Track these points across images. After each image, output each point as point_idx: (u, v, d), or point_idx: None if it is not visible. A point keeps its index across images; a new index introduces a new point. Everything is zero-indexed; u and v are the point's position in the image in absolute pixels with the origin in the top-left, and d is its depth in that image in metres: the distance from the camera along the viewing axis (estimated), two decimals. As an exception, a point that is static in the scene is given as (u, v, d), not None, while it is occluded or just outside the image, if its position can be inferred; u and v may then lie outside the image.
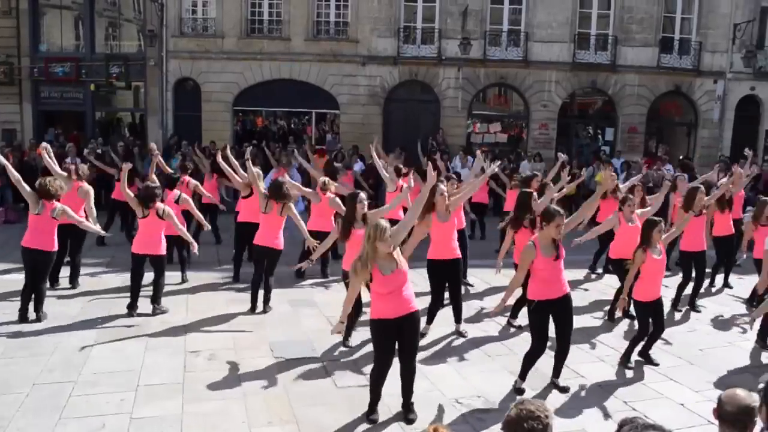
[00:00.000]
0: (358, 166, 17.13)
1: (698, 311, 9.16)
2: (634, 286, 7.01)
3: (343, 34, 20.96)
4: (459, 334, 7.91)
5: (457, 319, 7.96)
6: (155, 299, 8.49)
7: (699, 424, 5.65)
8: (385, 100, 21.12)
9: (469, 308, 8.38)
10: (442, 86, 21.00)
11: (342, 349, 7.32)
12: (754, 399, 2.71)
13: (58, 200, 8.12)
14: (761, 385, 2.56)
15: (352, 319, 7.24)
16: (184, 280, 9.97)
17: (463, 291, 8.54)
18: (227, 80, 20.80)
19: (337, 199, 9.58)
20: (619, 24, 20.87)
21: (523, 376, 6.31)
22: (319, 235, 9.92)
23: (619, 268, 8.55)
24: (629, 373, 6.85)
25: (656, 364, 7.07)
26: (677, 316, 8.99)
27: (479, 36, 20.61)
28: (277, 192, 8.51)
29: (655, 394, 6.37)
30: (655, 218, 7.10)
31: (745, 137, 21.53)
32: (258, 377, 6.45)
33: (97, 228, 8.71)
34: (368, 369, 6.65)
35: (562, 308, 6.18)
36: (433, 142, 19.85)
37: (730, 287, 10.51)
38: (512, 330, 8.18)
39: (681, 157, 20.48)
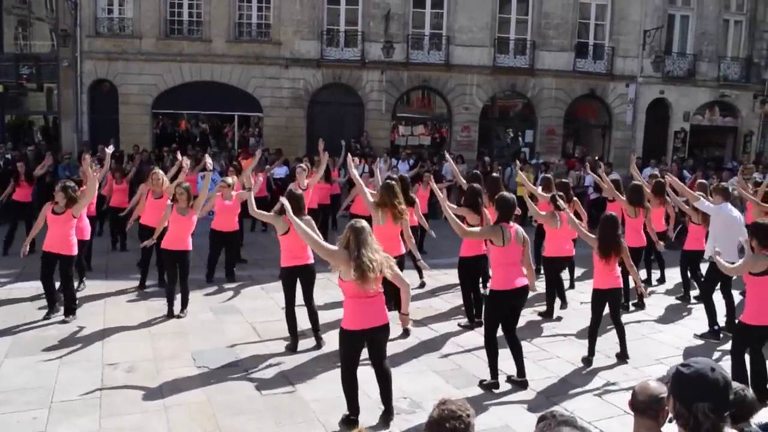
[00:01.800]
0: (282, 171, 16.95)
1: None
2: (594, 277, 7.35)
3: (265, 36, 20.75)
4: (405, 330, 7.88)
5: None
6: (70, 309, 8.25)
7: (616, 414, 5.86)
8: (308, 103, 21.02)
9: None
10: (366, 89, 21.07)
11: (267, 356, 7.22)
12: (665, 390, 2.83)
13: None
14: (669, 373, 2.67)
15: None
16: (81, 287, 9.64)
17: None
18: (146, 82, 20.23)
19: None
20: (537, 29, 21.48)
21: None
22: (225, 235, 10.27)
23: (550, 266, 9.02)
24: (549, 369, 7.03)
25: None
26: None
27: (402, 39, 20.80)
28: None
29: (573, 387, 6.58)
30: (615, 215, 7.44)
31: (656, 138, 22.64)
32: (179, 388, 6.27)
33: None
34: (293, 376, 6.62)
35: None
36: (357, 145, 19.91)
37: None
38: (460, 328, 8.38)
39: (596, 158, 21.30)
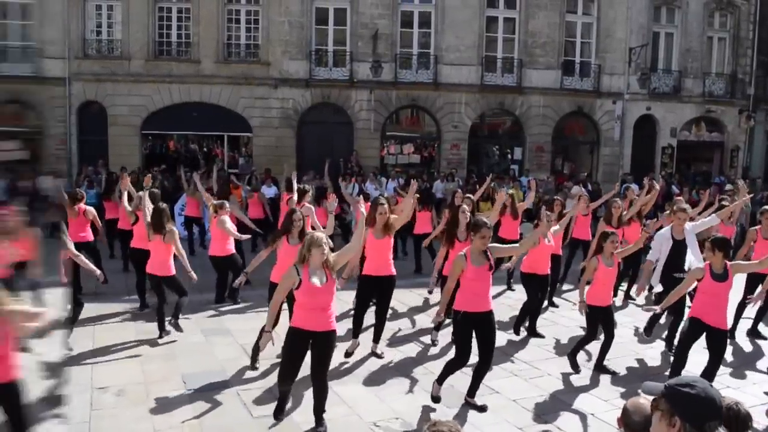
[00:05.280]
0: (271, 191, 16.94)
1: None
2: (587, 292, 7.38)
3: (254, 57, 20.86)
4: (374, 354, 7.89)
5: (376, 338, 7.93)
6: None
7: (605, 431, 5.85)
8: (298, 123, 21.09)
9: (385, 329, 8.38)
10: (355, 108, 21.17)
11: (258, 378, 7.17)
12: (651, 407, 2.83)
13: None
14: (649, 390, 2.68)
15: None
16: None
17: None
18: (135, 103, 20.27)
19: (227, 222, 9.67)
20: (524, 48, 21.69)
21: (440, 380, 6.40)
22: (217, 259, 9.95)
23: (528, 282, 8.83)
24: (541, 387, 7.02)
25: (614, 373, 7.42)
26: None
27: (390, 59, 20.95)
28: (157, 221, 8.44)
29: (565, 405, 6.55)
30: (609, 231, 7.60)
31: (644, 154, 22.81)
32: (170, 411, 6.21)
33: None
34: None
35: (487, 323, 6.24)
36: (348, 164, 19.95)
37: (633, 298, 10.92)
38: (434, 344, 8.36)
39: (585, 174, 21.46)
